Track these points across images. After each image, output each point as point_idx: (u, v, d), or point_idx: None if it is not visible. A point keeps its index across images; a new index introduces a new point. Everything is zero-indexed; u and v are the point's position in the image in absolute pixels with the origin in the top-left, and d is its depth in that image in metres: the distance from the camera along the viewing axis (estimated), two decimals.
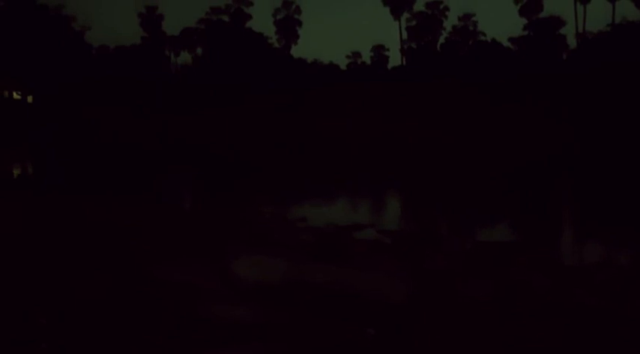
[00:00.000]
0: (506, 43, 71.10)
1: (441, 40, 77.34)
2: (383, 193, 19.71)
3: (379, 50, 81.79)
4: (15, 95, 44.32)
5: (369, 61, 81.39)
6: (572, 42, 72.06)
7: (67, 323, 4.94)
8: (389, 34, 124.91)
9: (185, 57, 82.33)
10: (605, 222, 13.81)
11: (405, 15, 78.58)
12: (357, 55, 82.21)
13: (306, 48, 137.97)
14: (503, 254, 9.42)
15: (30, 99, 44.42)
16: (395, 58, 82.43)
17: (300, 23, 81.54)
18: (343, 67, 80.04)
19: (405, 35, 78.71)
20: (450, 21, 79.06)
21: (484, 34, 76.11)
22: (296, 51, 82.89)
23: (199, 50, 79.32)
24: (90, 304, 5.44)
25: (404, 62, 77.73)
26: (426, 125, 48.28)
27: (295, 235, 10.79)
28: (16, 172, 24.47)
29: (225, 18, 79.27)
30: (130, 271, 6.84)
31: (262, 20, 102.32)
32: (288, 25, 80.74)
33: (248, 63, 67.00)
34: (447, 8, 78.76)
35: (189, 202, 17.47)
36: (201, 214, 13.27)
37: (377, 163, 29.65)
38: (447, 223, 14.01)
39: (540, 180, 22.54)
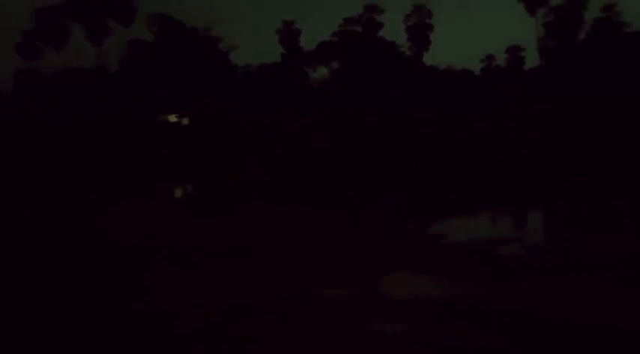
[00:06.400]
0: None
1: (582, 35, 73.49)
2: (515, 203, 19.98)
3: (515, 51, 79.43)
4: (172, 118, 49.08)
5: (504, 64, 79.41)
6: None
7: None
8: (525, 33, 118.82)
9: (322, 72, 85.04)
10: None
11: (542, 10, 75.62)
12: (491, 58, 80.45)
13: (438, 53, 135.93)
14: None
15: (186, 121, 49.01)
16: (532, 58, 79.79)
17: (431, 28, 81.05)
18: (477, 71, 78.87)
19: (541, 33, 75.79)
20: (591, 14, 74.71)
21: (629, 26, 71.23)
22: (428, 58, 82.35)
23: (335, 64, 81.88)
24: None
25: (542, 62, 74.91)
26: None
27: (439, 251, 11.98)
28: None
29: (359, 29, 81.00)
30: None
31: (395, 28, 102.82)
32: (420, 30, 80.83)
33: (380, 74, 68.32)
34: None
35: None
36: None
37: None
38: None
39: None
